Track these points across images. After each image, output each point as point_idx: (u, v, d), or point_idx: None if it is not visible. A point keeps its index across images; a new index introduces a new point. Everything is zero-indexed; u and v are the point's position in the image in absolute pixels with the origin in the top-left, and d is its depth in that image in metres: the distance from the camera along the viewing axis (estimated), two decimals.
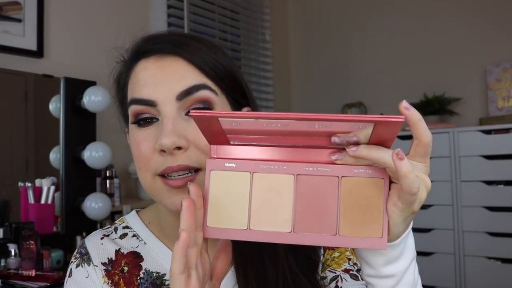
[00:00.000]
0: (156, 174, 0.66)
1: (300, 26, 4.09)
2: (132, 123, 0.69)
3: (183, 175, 0.65)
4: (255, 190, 0.53)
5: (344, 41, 3.82)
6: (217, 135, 0.54)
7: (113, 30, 2.48)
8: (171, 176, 0.65)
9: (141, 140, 0.67)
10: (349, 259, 0.76)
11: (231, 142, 0.55)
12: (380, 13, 3.66)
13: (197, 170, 0.65)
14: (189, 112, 0.66)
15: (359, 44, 3.75)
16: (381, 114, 0.56)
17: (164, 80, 0.66)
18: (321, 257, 0.76)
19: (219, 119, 0.50)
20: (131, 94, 0.69)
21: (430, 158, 0.51)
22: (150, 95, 0.66)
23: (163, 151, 0.64)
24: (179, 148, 0.64)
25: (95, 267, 0.76)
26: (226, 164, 0.54)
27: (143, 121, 0.68)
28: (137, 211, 0.83)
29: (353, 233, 0.51)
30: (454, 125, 3.15)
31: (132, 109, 0.68)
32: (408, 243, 0.57)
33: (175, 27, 2.99)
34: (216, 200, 0.54)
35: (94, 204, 2.06)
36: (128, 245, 0.78)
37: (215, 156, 0.55)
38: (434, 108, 3.22)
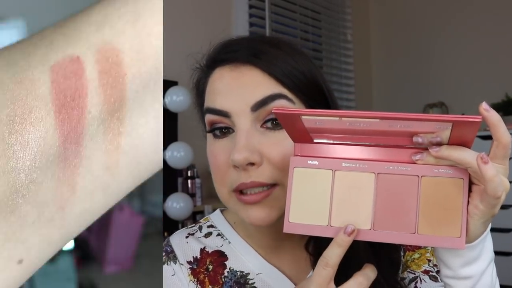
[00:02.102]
0: (231, 191, 0.65)
1: (381, 26, 4.01)
2: (208, 132, 0.69)
3: (258, 191, 0.63)
4: (337, 188, 0.54)
5: (426, 40, 3.70)
6: (300, 134, 0.55)
7: (194, 31, 2.55)
8: (245, 191, 0.64)
9: (217, 153, 0.67)
10: (429, 261, 0.75)
11: (315, 140, 0.56)
12: (462, 12, 3.53)
13: (273, 184, 0.63)
14: (264, 123, 0.64)
15: (441, 44, 3.62)
16: (463, 114, 0.56)
17: (238, 91, 0.65)
18: (401, 258, 0.76)
19: (302, 117, 0.51)
20: (207, 102, 0.69)
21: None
22: (224, 105, 0.65)
23: (236, 166, 0.64)
24: (252, 163, 0.62)
25: (181, 265, 0.76)
26: (309, 162, 0.55)
27: (219, 131, 0.67)
28: (221, 211, 0.83)
29: (432, 232, 0.52)
30: None
31: (208, 118, 0.68)
32: (486, 245, 0.56)
33: (257, 27, 3.03)
34: (298, 197, 0.55)
35: (176, 204, 2.04)
36: (212, 244, 0.78)
37: (299, 154, 0.57)
38: None
